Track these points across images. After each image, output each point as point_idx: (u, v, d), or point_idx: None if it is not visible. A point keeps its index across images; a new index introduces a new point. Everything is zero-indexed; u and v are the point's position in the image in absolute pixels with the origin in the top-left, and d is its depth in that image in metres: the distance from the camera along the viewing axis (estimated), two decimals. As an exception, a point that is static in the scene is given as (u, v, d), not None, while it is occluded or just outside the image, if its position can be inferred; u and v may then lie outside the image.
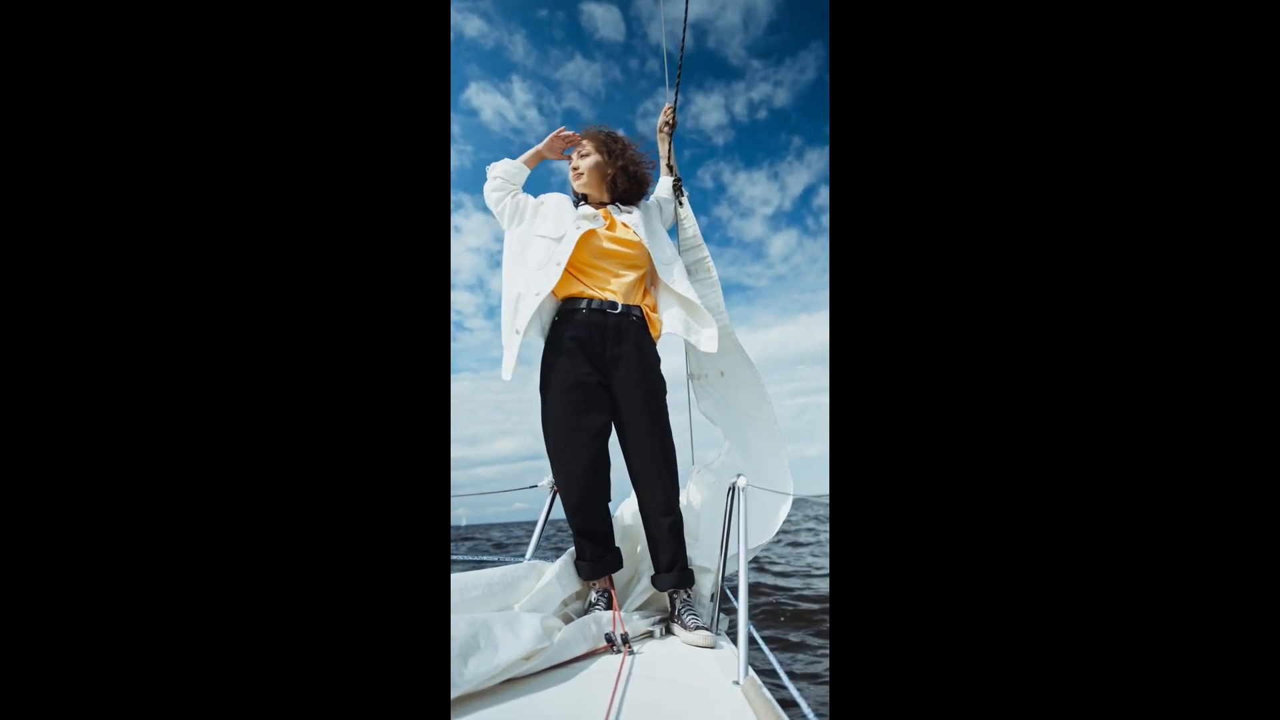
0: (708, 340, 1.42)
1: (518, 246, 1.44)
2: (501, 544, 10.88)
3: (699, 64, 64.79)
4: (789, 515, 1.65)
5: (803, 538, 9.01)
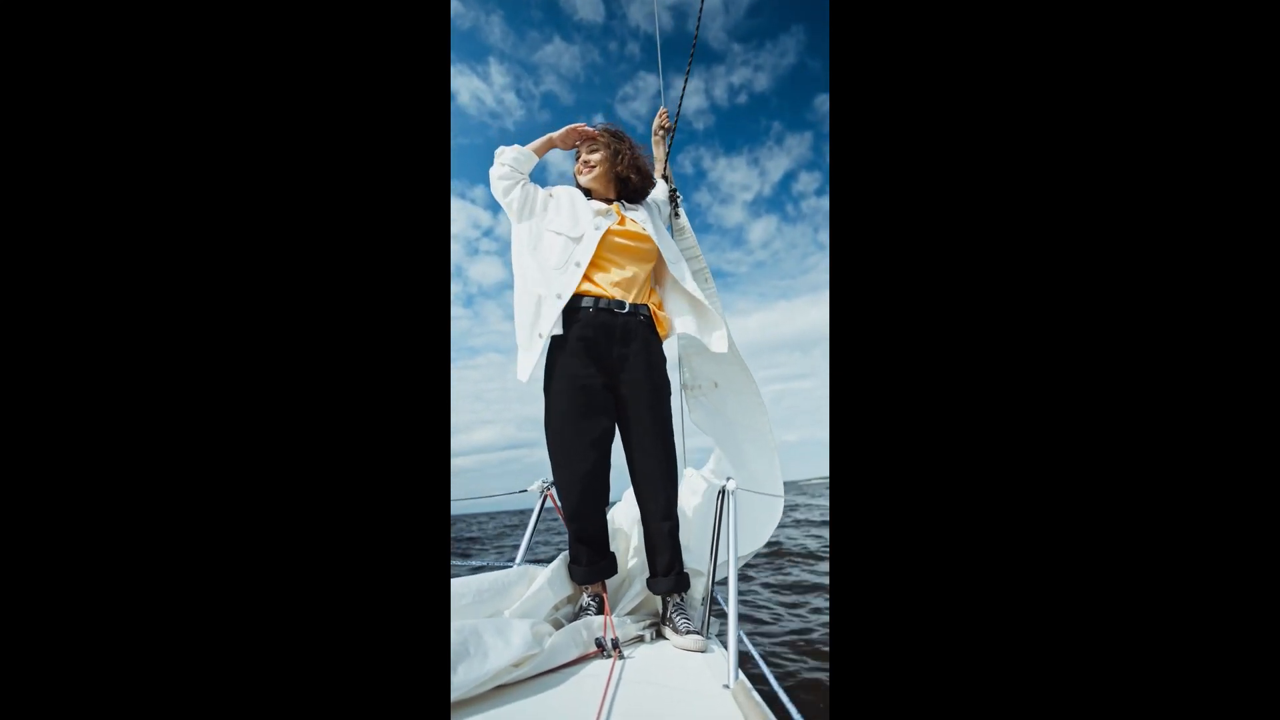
0: (718, 341, 1.41)
1: (530, 241, 1.41)
2: (497, 536, 10.92)
3: (679, 47, 59.66)
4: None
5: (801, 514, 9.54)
